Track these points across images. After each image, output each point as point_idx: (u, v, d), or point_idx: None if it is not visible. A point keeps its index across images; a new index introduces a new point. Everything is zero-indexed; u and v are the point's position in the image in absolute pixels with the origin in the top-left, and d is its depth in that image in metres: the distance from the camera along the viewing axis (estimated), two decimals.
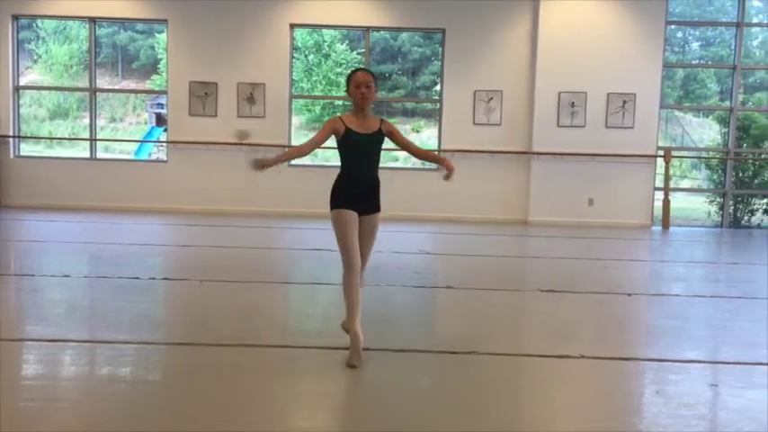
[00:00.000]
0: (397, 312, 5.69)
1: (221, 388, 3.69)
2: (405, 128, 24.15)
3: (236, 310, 5.56)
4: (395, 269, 7.10)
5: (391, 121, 4.42)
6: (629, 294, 6.37)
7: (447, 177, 4.33)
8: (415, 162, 19.24)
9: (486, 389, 3.84)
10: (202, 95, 11.98)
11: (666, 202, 11.97)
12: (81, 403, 3.51)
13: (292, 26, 12.20)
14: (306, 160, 19.05)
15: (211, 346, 4.40)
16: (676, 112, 22.56)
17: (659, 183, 12.18)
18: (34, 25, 25.16)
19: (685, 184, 19.95)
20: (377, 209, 4.29)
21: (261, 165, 4.03)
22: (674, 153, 13.91)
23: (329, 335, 4.69)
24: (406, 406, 3.53)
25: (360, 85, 4.15)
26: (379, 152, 4.28)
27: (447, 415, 3.42)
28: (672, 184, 12.44)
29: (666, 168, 12.00)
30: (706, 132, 21.89)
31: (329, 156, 19.82)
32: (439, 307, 6.17)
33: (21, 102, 13.05)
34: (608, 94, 11.75)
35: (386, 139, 4.27)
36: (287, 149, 4.38)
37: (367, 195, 4.24)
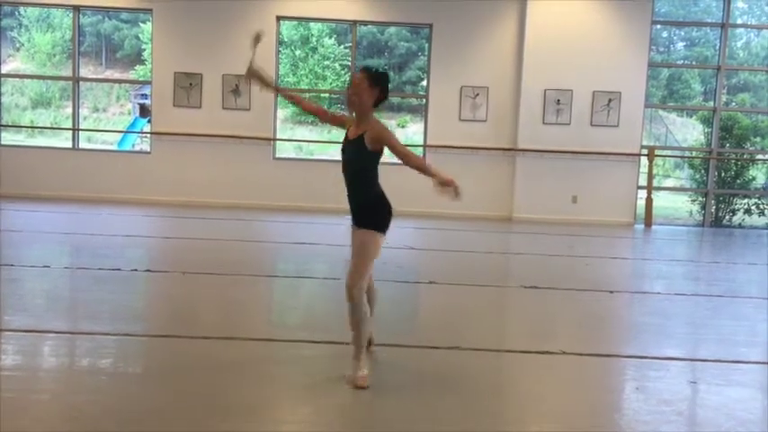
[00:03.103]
0: (380, 307, 5.68)
1: (203, 381, 3.67)
2: (390, 123, 24.14)
3: (218, 302, 5.53)
4: (378, 264, 7.07)
5: (376, 116, 3.78)
6: (611, 292, 6.42)
7: (444, 190, 3.56)
8: None
9: (467, 384, 3.85)
10: (187, 86, 11.89)
11: (649, 201, 12.06)
12: (60, 395, 3.47)
13: (279, 18, 12.13)
14: (291, 153, 19.01)
15: (193, 339, 4.38)
16: (660, 112, 22.73)
17: (642, 181, 12.26)
18: (17, 13, 24.86)
19: (668, 183, 20.12)
20: (361, 224, 3.80)
21: (250, 73, 3.83)
22: (658, 152, 14.01)
23: (312, 328, 4.68)
24: (388, 401, 3.52)
25: (350, 86, 3.70)
26: (360, 163, 3.69)
27: (429, 410, 3.42)
28: (655, 183, 12.53)
29: (650, 167, 12.08)
30: (689, 132, 22.09)
31: (313, 150, 19.79)
32: (422, 302, 6.17)
33: (2, 90, 12.88)
34: (593, 92, 11.80)
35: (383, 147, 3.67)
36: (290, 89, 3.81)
37: (353, 209, 3.84)
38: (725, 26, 12.48)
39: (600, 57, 11.73)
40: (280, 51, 12.99)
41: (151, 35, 12.22)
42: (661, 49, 23.54)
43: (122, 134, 21.48)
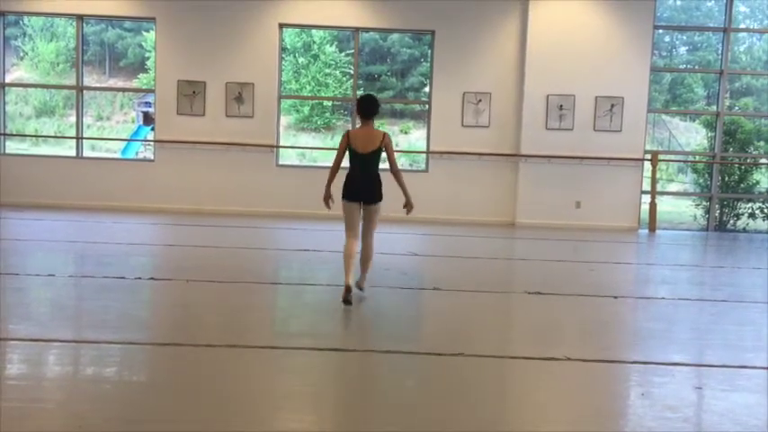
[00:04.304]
0: (383, 314, 5.69)
1: (207, 389, 3.67)
2: (393, 129, 24.19)
3: (222, 310, 5.53)
4: (381, 270, 7.08)
5: (382, 123, 4.46)
6: (616, 297, 6.40)
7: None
8: (402, 163, 19.23)
9: (472, 391, 3.84)
10: (190, 94, 11.92)
11: (653, 206, 12.04)
12: (65, 404, 3.47)
13: (281, 26, 12.17)
14: (294, 160, 19.03)
15: (197, 347, 4.37)
16: (663, 116, 22.72)
17: (646, 186, 12.25)
18: (21, 22, 24.97)
19: (672, 187, 20.09)
20: None
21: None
22: (661, 157, 14.00)
23: (315, 336, 4.68)
24: (392, 408, 3.52)
25: None
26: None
27: (433, 417, 3.41)
28: (659, 188, 12.51)
29: (653, 172, 12.06)
30: (693, 136, 22.05)
31: (316, 156, 19.80)
32: (426, 308, 6.16)
33: (6, 99, 12.94)
34: (596, 97, 11.80)
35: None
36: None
37: None
38: (727, 30, 12.48)
39: (602, 62, 11.74)
40: (282, 58, 13.02)
41: (154, 43, 12.26)
42: (663, 54, 23.53)
43: (126, 142, 21.53)
